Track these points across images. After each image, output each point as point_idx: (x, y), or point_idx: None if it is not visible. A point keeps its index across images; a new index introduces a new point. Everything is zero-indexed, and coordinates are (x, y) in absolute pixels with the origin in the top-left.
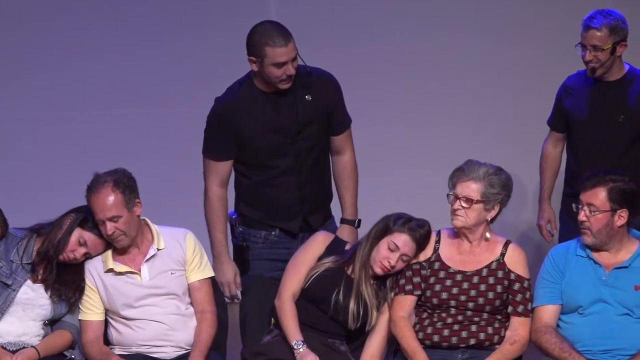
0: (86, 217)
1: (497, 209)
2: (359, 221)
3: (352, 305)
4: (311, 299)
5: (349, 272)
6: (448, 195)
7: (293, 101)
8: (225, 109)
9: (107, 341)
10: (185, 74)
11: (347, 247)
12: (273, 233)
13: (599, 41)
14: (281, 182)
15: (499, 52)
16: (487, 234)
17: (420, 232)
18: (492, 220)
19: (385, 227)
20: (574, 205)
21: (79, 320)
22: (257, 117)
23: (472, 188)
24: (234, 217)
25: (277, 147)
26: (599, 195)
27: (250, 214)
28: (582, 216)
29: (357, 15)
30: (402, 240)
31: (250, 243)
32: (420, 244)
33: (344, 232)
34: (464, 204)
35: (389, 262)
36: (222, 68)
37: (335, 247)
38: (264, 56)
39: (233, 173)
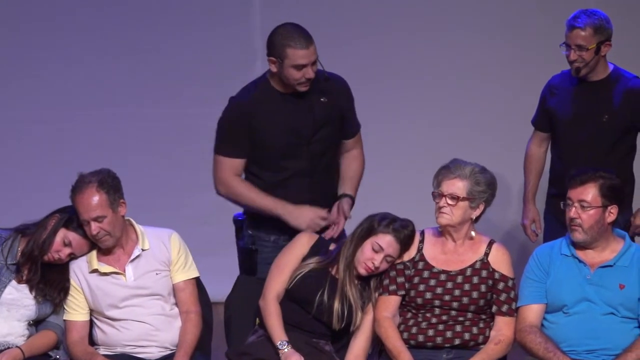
0: (71, 217)
1: (481, 207)
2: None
3: (336, 305)
4: (295, 300)
5: (333, 272)
6: (433, 193)
7: (310, 103)
8: (240, 107)
9: (92, 341)
10: (169, 74)
11: (332, 247)
12: (282, 237)
13: (584, 41)
14: (294, 183)
15: (483, 51)
16: (472, 233)
17: (405, 233)
18: (477, 219)
19: (369, 228)
20: (562, 204)
21: (64, 320)
22: (272, 117)
23: (458, 186)
24: (240, 219)
25: (291, 148)
26: (591, 192)
27: (261, 217)
28: (573, 213)
29: (341, 15)
30: (386, 241)
31: (259, 246)
32: (405, 244)
33: (343, 202)
34: (449, 202)
35: (373, 263)
36: (206, 68)
37: (320, 247)
38: (285, 57)
39: (243, 175)
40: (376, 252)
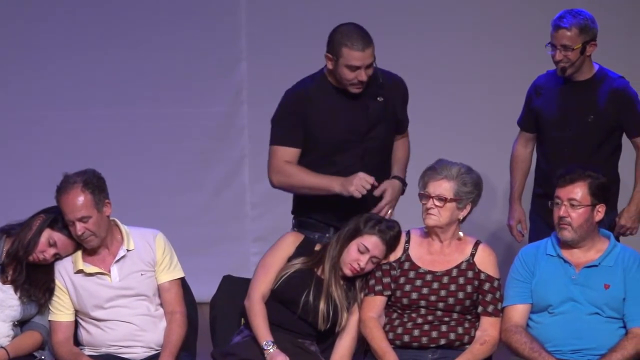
0: (56, 217)
1: (468, 208)
2: (405, 185)
3: (322, 306)
4: (281, 300)
5: (318, 273)
6: (420, 194)
7: (365, 101)
8: (296, 98)
9: (77, 342)
10: (155, 74)
11: (317, 247)
12: (327, 235)
13: (569, 41)
14: None
15: (469, 51)
16: (460, 233)
17: (390, 234)
18: (463, 219)
19: (355, 229)
20: (549, 203)
21: (49, 320)
22: (327, 111)
23: (444, 187)
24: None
25: (344, 144)
26: (580, 190)
27: (307, 214)
28: (562, 212)
29: (327, 16)
30: (372, 242)
31: None
32: (390, 245)
33: (393, 184)
34: (437, 203)
35: (358, 264)
36: (192, 68)
37: (305, 247)
38: (340, 56)
39: None
40: (362, 253)
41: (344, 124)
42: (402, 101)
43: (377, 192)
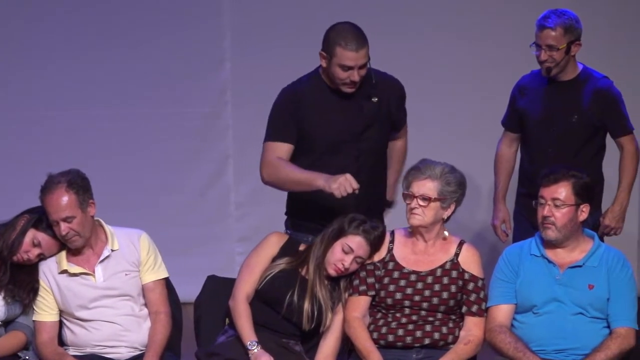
0: (40, 217)
1: (452, 207)
2: (393, 202)
3: (306, 306)
4: (265, 300)
5: (303, 273)
6: (404, 194)
7: (360, 101)
8: (291, 95)
9: (61, 342)
10: (139, 74)
11: (301, 247)
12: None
13: (554, 41)
14: None
15: (453, 51)
16: (445, 233)
17: (375, 234)
18: (447, 219)
19: (339, 229)
20: (533, 202)
21: (33, 321)
22: (323, 110)
23: (428, 186)
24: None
25: (339, 145)
26: (564, 190)
27: (301, 217)
28: (546, 211)
29: (312, 16)
30: (356, 242)
31: None
32: (375, 246)
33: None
34: (421, 203)
35: (342, 264)
36: (176, 68)
37: (290, 247)
38: (334, 55)
39: None
40: (346, 253)
41: (338, 124)
42: (398, 102)
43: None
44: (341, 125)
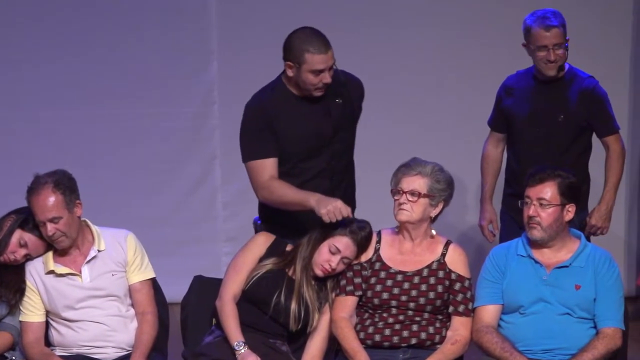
0: (27, 218)
1: (440, 206)
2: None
3: (293, 306)
4: (252, 301)
5: (290, 273)
6: (392, 190)
7: (326, 105)
8: (260, 110)
9: (48, 342)
10: (125, 74)
11: (288, 248)
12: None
13: (562, 38)
14: (315, 184)
15: (440, 51)
16: (433, 232)
17: (362, 235)
18: (434, 218)
19: (326, 230)
20: (519, 202)
21: (20, 321)
22: (293, 122)
23: (418, 182)
24: (258, 222)
25: (311, 151)
26: (550, 190)
27: (279, 222)
28: (532, 211)
29: (297, 15)
30: (343, 243)
31: None
32: (362, 246)
33: None
34: (410, 198)
35: (329, 264)
36: (162, 69)
37: (276, 248)
38: (303, 62)
39: None
40: (333, 253)
41: (309, 131)
42: (360, 101)
43: None
44: (312, 132)
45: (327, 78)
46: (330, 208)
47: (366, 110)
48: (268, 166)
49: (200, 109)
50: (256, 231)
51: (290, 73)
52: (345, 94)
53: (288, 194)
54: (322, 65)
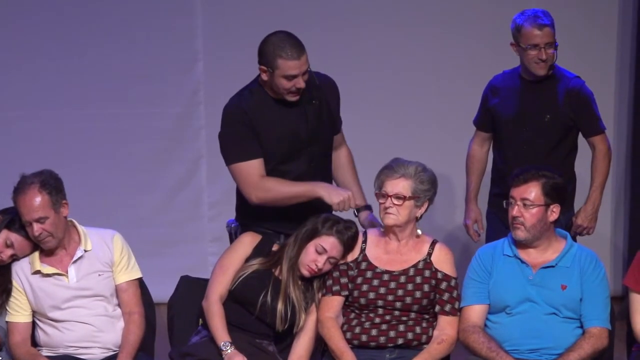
0: (13, 218)
1: (425, 206)
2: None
3: (280, 306)
4: (239, 301)
5: (276, 273)
6: (377, 194)
7: (303, 106)
8: (240, 113)
9: (34, 343)
10: (111, 74)
11: (274, 248)
12: (277, 242)
13: (553, 37)
14: None
15: (424, 50)
16: (418, 231)
17: (348, 235)
18: (420, 218)
19: (313, 230)
20: (504, 202)
21: (6, 322)
22: (272, 125)
23: (402, 185)
24: (233, 225)
25: (291, 153)
26: (533, 190)
27: (258, 224)
28: (515, 211)
29: (283, 14)
30: (329, 243)
31: None
32: (348, 246)
33: (363, 216)
34: (395, 202)
35: (316, 264)
36: (147, 69)
37: (263, 247)
38: (276, 67)
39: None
40: (319, 254)
41: (288, 134)
42: (336, 101)
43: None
44: (291, 135)
45: (300, 83)
46: (343, 199)
47: (350, 110)
48: (257, 166)
49: (186, 109)
50: (230, 234)
51: (264, 77)
52: (322, 97)
53: (288, 188)
54: (295, 71)
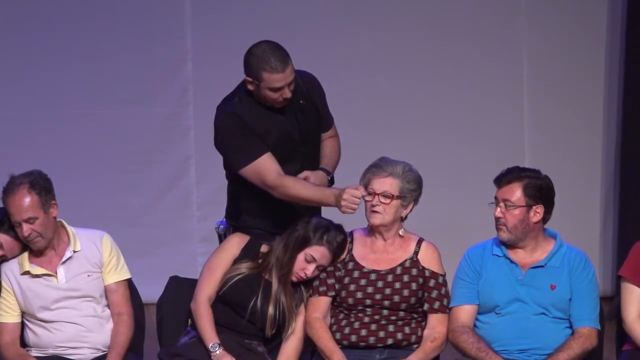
0: (2, 219)
1: (411, 205)
2: (332, 178)
3: (270, 311)
4: (228, 304)
5: (266, 277)
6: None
7: (293, 108)
8: (236, 117)
9: (23, 343)
10: (100, 74)
11: (263, 249)
12: (266, 242)
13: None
14: None
15: (413, 52)
16: (401, 231)
17: (337, 242)
18: (405, 217)
19: (304, 239)
20: (489, 203)
21: None
22: (265, 130)
23: (390, 184)
24: (222, 227)
25: (284, 156)
26: (515, 191)
27: (251, 225)
28: (497, 212)
29: (271, 12)
30: (319, 252)
31: None
32: (337, 253)
33: (318, 175)
34: (382, 200)
35: (305, 273)
36: (137, 69)
37: (251, 248)
38: (261, 80)
39: (228, 185)
40: (309, 262)
41: (281, 137)
42: (320, 97)
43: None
44: (283, 138)
45: (287, 94)
46: (345, 203)
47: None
48: (270, 161)
49: (175, 109)
50: (219, 235)
51: (250, 87)
52: (307, 95)
53: (305, 191)
54: (280, 83)
